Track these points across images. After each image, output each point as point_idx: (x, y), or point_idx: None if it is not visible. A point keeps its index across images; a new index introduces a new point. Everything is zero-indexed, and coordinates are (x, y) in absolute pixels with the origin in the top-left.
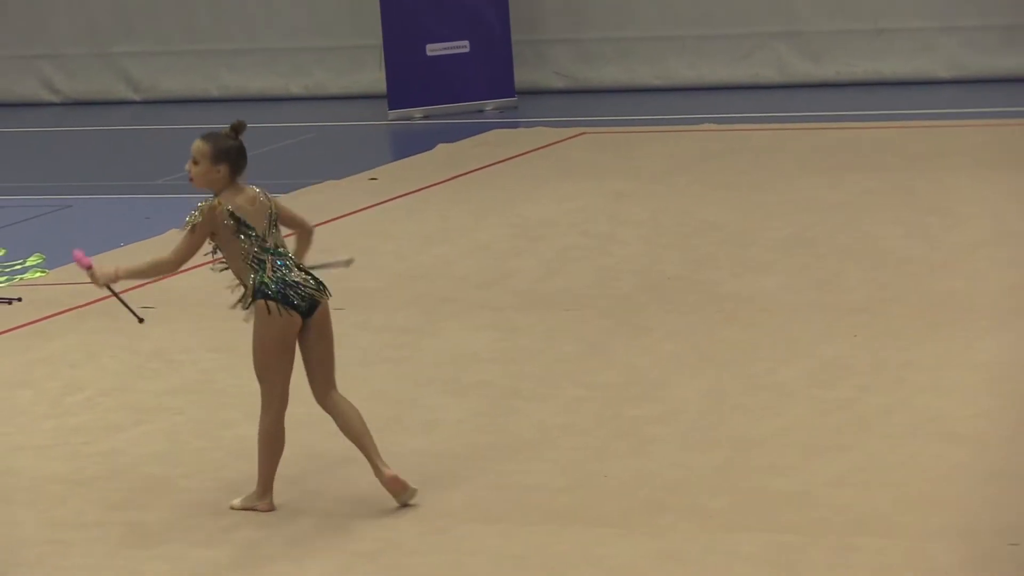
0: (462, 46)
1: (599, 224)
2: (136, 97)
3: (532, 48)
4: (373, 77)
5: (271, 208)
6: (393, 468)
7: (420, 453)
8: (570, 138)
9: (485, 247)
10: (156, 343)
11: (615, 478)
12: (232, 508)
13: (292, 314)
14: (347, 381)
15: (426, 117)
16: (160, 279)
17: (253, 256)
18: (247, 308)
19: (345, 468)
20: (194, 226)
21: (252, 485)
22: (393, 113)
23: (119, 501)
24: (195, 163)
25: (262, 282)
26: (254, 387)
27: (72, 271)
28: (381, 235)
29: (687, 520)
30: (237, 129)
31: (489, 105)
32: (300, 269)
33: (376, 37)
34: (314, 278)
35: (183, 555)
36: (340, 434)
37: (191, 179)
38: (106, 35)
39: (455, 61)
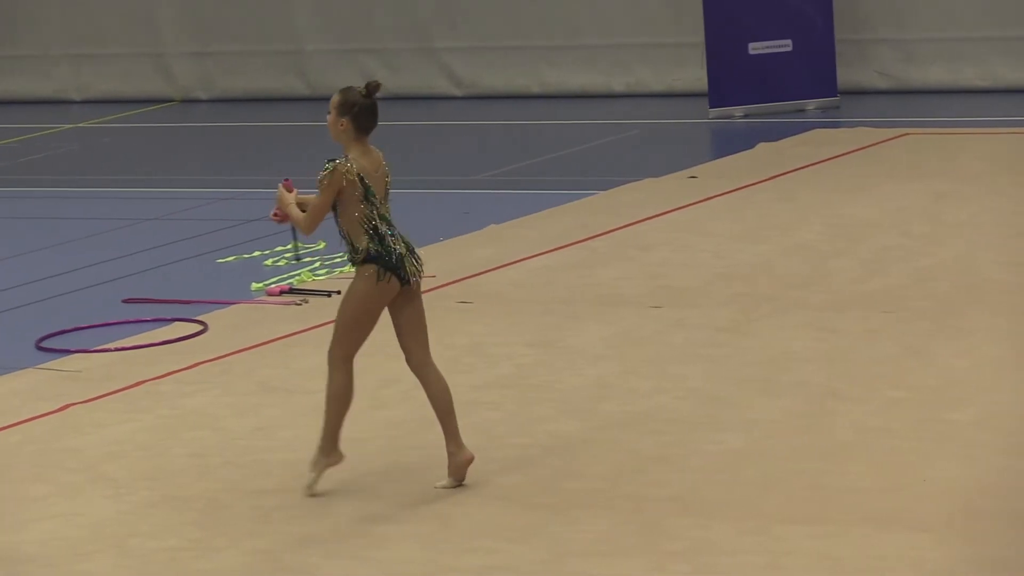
0: (785, 45)
1: (920, 225)
2: (458, 93)
3: (855, 47)
4: (694, 75)
5: (388, 176)
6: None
7: (736, 452)
8: (893, 139)
9: (805, 247)
10: (473, 337)
11: (934, 482)
12: (310, 487)
13: (395, 283)
14: (663, 378)
15: (747, 116)
16: None
17: (369, 222)
18: (354, 267)
19: (656, 466)
20: (322, 185)
21: (575, 481)
22: (714, 111)
23: (433, 495)
24: (327, 113)
25: (377, 250)
26: (572, 383)
27: None
28: (700, 233)
29: (1008, 526)
30: (370, 87)
31: (811, 104)
32: (404, 241)
33: (698, 35)
34: (414, 253)
35: (494, 549)
36: (656, 433)
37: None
38: (429, 30)
39: (777, 60)
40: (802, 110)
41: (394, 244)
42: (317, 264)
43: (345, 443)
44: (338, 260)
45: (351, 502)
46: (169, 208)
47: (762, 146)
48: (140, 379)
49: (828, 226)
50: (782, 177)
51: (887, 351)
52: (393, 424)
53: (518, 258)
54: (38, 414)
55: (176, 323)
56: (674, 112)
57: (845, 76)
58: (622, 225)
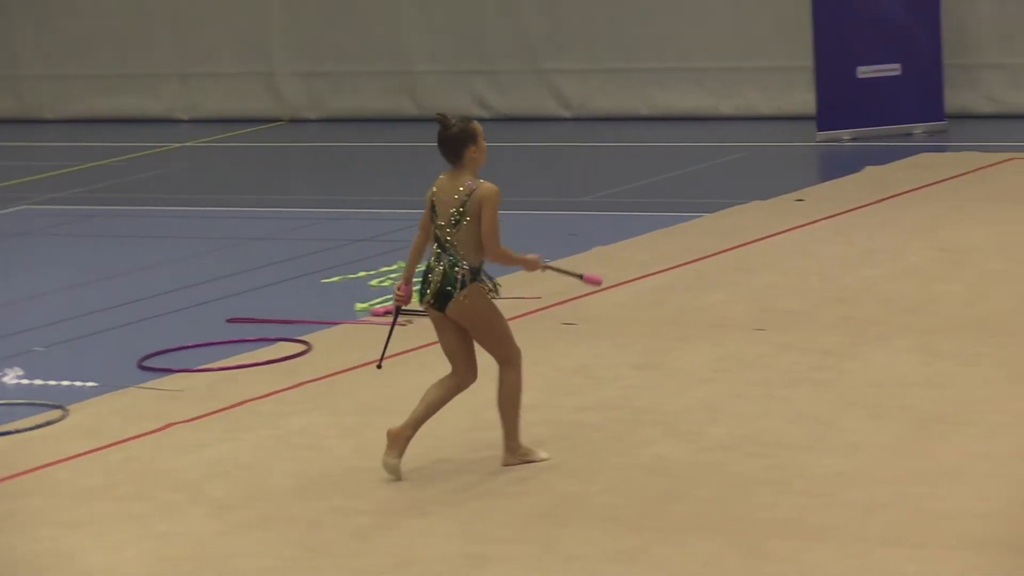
0: (893, 69)
1: None
2: (567, 114)
3: (963, 72)
4: (803, 98)
5: (459, 206)
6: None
7: (841, 476)
8: (999, 163)
9: (911, 271)
10: (578, 359)
11: None
12: (509, 464)
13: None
14: (769, 401)
15: (854, 139)
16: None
17: (435, 239)
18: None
19: (761, 489)
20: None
21: (681, 503)
22: (822, 134)
23: (535, 516)
24: None
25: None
26: (678, 405)
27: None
28: (807, 256)
29: None
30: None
31: (918, 128)
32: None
33: (808, 58)
34: (428, 284)
35: (599, 571)
36: (762, 456)
37: None
38: (539, 52)
39: (886, 84)
40: (909, 134)
41: (428, 265)
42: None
43: (442, 464)
44: None
45: (454, 524)
46: (275, 228)
47: (869, 169)
48: (242, 399)
49: (934, 250)
50: (889, 201)
51: (992, 376)
52: (494, 446)
53: (625, 280)
54: (140, 433)
55: (280, 343)
56: (782, 135)
57: (953, 100)
58: (729, 247)
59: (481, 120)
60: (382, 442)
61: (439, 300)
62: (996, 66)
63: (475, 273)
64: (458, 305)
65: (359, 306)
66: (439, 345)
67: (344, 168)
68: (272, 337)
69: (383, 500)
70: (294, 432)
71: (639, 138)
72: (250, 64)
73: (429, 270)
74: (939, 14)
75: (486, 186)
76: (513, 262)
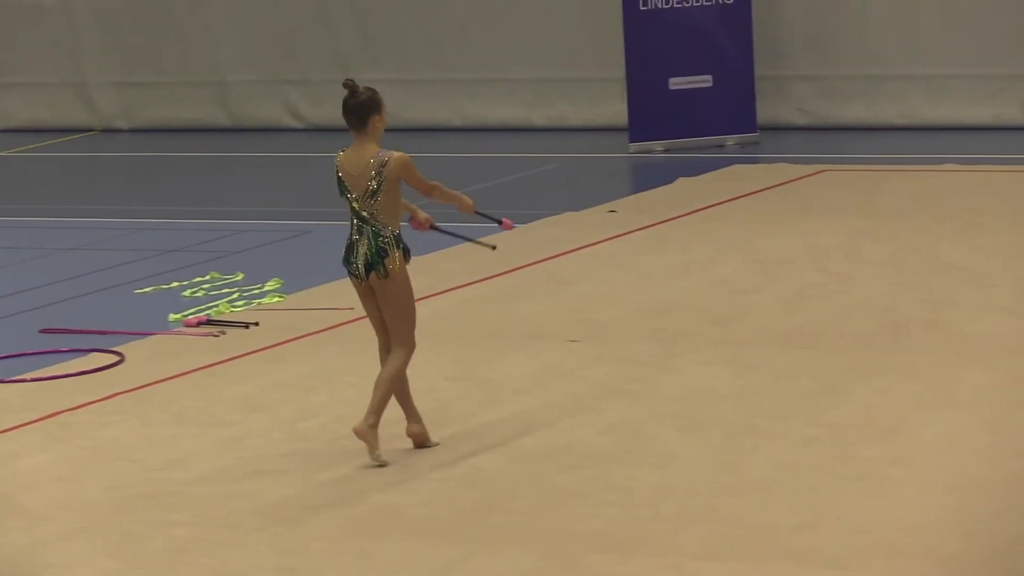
0: (705, 80)
1: (838, 262)
2: None
3: (775, 84)
4: (615, 110)
5: (375, 175)
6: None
7: (653, 487)
8: (811, 175)
9: (724, 282)
10: None
11: (849, 519)
12: (357, 432)
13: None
14: (583, 413)
15: (667, 151)
16: None
17: (350, 213)
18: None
19: (575, 501)
20: None
21: (495, 515)
22: (634, 146)
23: (350, 529)
24: None
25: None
26: (492, 416)
27: (306, 297)
28: (620, 268)
29: (922, 564)
30: (344, 85)
31: (730, 140)
32: (359, 240)
33: (619, 70)
34: (354, 253)
35: None
36: (575, 467)
37: None
38: (351, 62)
39: (697, 95)
40: (722, 145)
41: (351, 239)
42: (235, 295)
43: (259, 475)
44: (255, 291)
45: (265, 535)
46: (88, 238)
47: (681, 181)
48: (56, 410)
49: (747, 262)
50: (701, 212)
51: (805, 388)
52: (311, 457)
53: (438, 291)
54: None
55: (93, 354)
56: (594, 146)
57: (764, 112)
58: (543, 258)
59: (294, 131)
60: (196, 451)
61: (368, 270)
62: (807, 77)
63: (397, 240)
64: (384, 273)
65: (172, 316)
66: (266, 351)
67: (157, 178)
68: (85, 348)
69: (198, 511)
70: (108, 443)
71: (452, 149)
72: (63, 74)
73: (352, 244)
74: (750, 26)
75: (397, 156)
76: (450, 198)
